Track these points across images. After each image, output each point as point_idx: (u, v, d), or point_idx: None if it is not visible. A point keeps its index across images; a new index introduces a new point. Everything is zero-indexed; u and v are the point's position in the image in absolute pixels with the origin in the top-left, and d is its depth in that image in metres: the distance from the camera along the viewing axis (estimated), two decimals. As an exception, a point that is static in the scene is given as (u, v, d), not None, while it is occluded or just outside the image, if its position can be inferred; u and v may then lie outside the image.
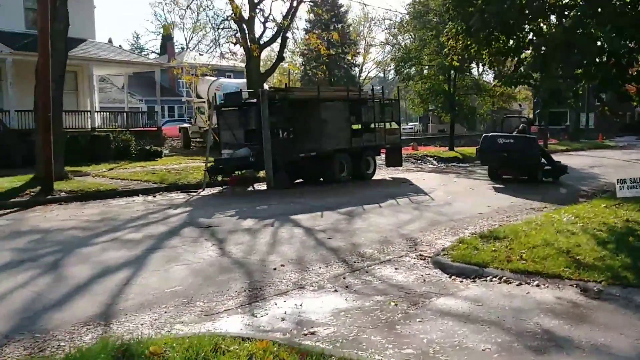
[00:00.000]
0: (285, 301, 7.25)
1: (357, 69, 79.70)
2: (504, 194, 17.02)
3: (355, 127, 21.30)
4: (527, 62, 12.66)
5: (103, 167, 22.93)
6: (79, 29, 27.68)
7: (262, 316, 6.69)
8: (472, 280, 8.22)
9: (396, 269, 8.87)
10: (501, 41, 13.14)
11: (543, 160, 19.72)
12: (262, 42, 25.84)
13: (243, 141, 18.47)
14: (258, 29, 26.97)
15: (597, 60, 11.58)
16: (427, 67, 34.32)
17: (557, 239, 9.70)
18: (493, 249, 9.25)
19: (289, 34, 25.09)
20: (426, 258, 9.47)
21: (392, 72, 46.12)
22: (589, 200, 15.21)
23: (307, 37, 62.35)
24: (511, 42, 13.07)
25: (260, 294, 7.53)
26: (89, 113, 26.87)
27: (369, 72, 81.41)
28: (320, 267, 8.85)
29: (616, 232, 10.30)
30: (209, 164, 18.14)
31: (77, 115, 26.69)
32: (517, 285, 7.79)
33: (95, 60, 26.64)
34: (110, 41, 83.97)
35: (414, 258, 9.53)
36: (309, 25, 61.34)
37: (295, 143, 18.61)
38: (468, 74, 33.18)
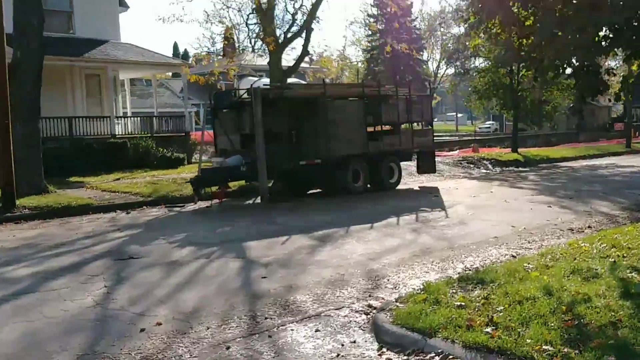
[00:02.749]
0: (99, 394, 4.80)
1: (430, 66, 76.21)
2: (544, 208, 13.88)
3: (377, 129, 18.52)
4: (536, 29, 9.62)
5: (112, 176, 21.18)
6: (101, 30, 26.32)
7: None
8: (405, 358, 5.50)
9: (317, 330, 6.24)
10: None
11: None
12: (289, 36, 23.40)
13: (240, 147, 16.08)
14: (287, 22, 24.43)
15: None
16: (486, 59, 30.75)
17: (563, 286, 6.76)
18: (460, 303, 6.41)
19: (313, 26, 22.41)
20: (371, 312, 6.78)
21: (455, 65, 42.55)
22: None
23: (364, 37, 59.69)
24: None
25: (76, 379, 5.11)
26: (108, 119, 25.18)
27: (447, 69, 77.78)
28: (209, 327, 6.32)
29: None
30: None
31: (98, 121, 25.12)
32: (465, 373, 5.01)
33: (112, 62, 24.93)
34: (175, 47, 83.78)
35: (357, 311, 6.86)
36: (372, 20, 58.56)
37: (297, 149, 16.02)
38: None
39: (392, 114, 17.91)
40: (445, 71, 71.33)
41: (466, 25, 11.55)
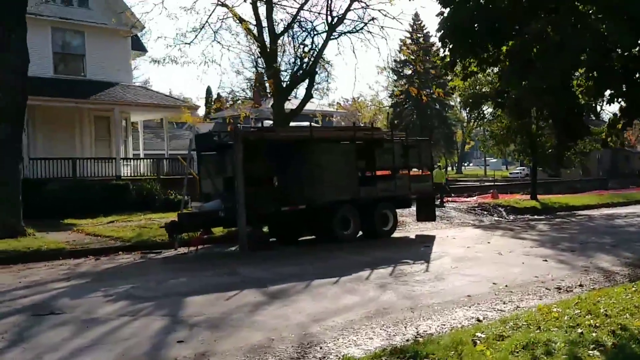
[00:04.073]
0: None
1: (462, 110, 75.02)
2: (539, 262, 12.73)
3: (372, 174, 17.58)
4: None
5: (108, 219, 20.66)
6: (112, 73, 26.30)
7: None
8: None
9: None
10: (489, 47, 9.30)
11: None
12: (294, 79, 22.90)
13: (222, 191, 15.36)
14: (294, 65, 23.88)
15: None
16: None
17: (504, 366, 5.73)
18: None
19: (318, 69, 21.90)
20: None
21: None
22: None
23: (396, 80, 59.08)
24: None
25: None
26: (114, 160, 24.91)
27: (466, 114, 76.62)
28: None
29: (625, 353, 6.10)
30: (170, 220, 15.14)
31: (103, 162, 24.91)
32: None
33: (118, 104, 24.72)
34: (208, 91, 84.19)
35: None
36: (398, 66, 58.14)
37: (281, 194, 15.17)
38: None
39: (386, 158, 17.01)
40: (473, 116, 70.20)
41: (441, 66, 10.70)
